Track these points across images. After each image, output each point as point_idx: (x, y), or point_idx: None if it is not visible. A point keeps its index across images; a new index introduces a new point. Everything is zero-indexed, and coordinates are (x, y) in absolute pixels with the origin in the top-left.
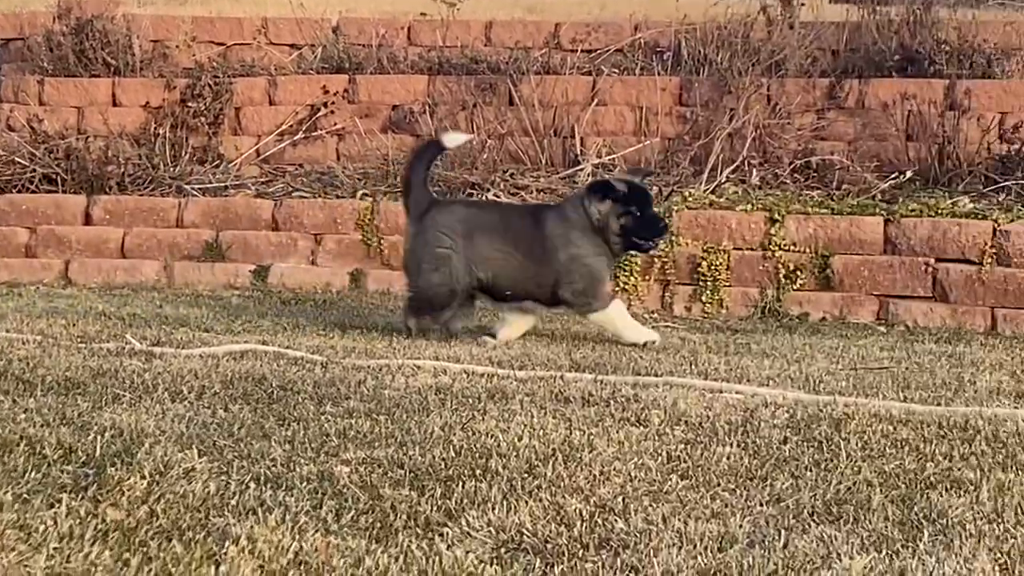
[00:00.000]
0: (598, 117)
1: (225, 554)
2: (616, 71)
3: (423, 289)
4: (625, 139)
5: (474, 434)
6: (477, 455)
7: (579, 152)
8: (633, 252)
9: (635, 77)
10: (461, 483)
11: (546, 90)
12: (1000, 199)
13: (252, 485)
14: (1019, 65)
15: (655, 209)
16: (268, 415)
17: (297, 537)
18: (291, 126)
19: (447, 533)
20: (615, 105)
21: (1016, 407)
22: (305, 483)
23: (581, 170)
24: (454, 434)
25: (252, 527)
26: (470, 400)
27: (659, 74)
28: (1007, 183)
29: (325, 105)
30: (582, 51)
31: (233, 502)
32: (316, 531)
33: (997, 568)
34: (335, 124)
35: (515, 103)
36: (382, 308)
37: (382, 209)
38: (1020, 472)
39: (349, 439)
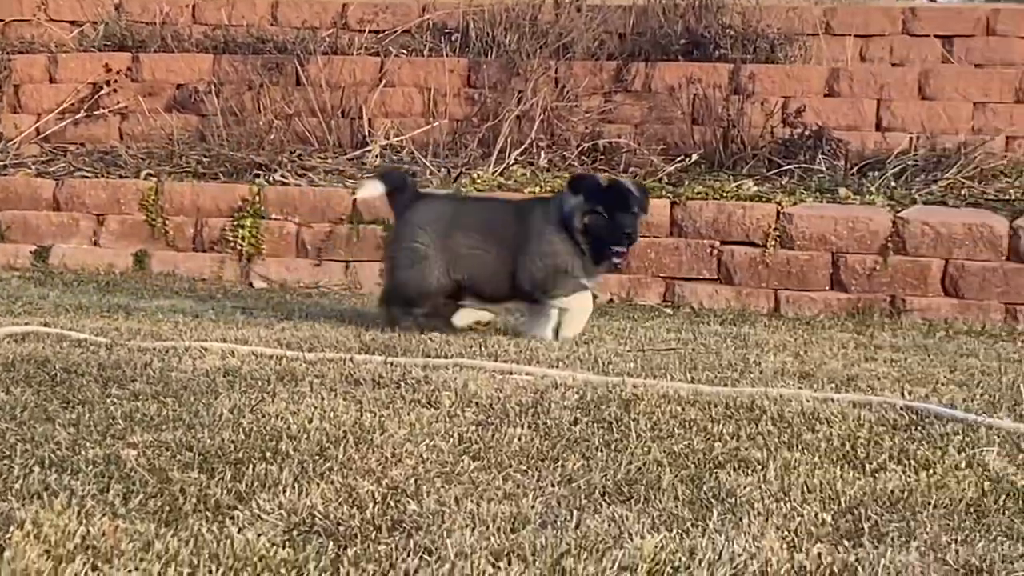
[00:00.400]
0: (386, 98)
1: (9, 539)
2: (404, 52)
3: (399, 285)
4: (414, 120)
5: (264, 416)
6: (267, 437)
7: (367, 133)
8: (602, 262)
9: (423, 58)
10: (251, 466)
11: (334, 71)
12: (783, 182)
13: (36, 469)
14: (801, 50)
15: (631, 216)
16: (52, 398)
17: (84, 521)
18: (73, 105)
19: (238, 516)
20: (403, 86)
21: (800, 387)
22: (91, 466)
23: (369, 151)
24: (243, 416)
25: (37, 511)
26: (259, 382)
27: (447, 56)
28: (790, 166)
29: (108, 83)
30: (370, 32)
31: (17, 486)
32: (103, 515)
33: (784, 545)
34: (118, 103)
35: (302, 83)
36: (167, 290)
37: (167, 189)
38: (805, 451)
39: (136, 422)
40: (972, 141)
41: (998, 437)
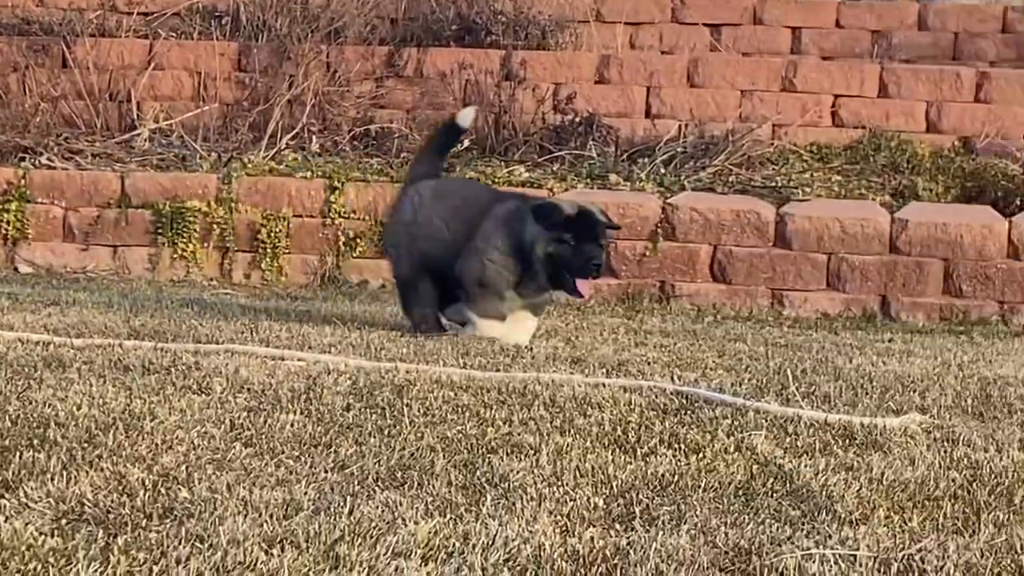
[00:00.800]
0: (155, 82)
1: None
2: (174, 35)
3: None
4: (184, 104)
5: (30, 403)
6: (34, 425)
7: (136, 117)
8: (557, 291)
9: (193, 42)
10: (18, 454)
11: (101, 53)
12: (555, 168)
13: None
14: (572, 37)
15: (599, 247)
16: None
17: None
18: None
19: (4, 505)
20: (173, 70)
21: (572, 372)
22: None
23: (138, 135)
24: (9, 404)
25: None
26: (25, 369)
27: (218, 39)
28: (561, 153)
29: None
30: (138, 14)
31: None
32: None
33: (557, 530)
34: None
35: (69, 66)
36: None
37: None
38: (578, 436)
39: None
40: (740, 128)
41: (766, 421)
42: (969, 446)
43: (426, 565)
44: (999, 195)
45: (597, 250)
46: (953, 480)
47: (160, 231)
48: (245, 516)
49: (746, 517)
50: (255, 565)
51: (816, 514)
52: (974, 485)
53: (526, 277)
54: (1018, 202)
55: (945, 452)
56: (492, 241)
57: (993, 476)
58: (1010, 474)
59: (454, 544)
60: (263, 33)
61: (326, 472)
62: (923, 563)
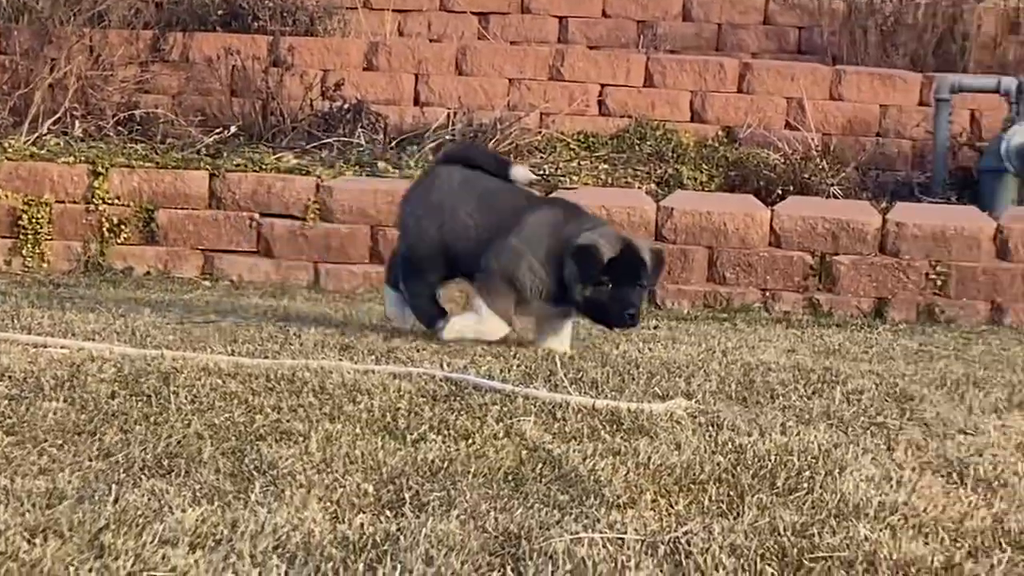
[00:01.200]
0: None
1: None
2: None
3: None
4: None
5: None
6: None
7: None
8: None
9: None
10: None
11: None
12: (323, 155)
13: None
14: (341, 23)
15: (637, 291)
16: None
17: None
18: None
19: None
20: None
21: (341, 359)
22: None
23: None
24: None
25: None
26: None
27: None
28: (330, 140)
29: None
30: None
31: None
32: None
33: (327, 516)
34: None
35: None
36: None
37: None
38: (347, 422)
39: None
40: (508, 117)
41: (535, 407)
42: (733, 430)
43: (194, 553)
44: (761, 184)
45: (635, 296)
46: (718, 464)
47: None
48: (6, 505)
49: (515, 502)
50: (17, 555)
51: (584, 498)
52: (738, 469)
53: (555, 294)
54: (779, 191)
55: (710, 436)
56: (534, 247)
57: (756, 460)
58: (772, 457)
59: (222, 531)
60: (24, 15)
61: (90, 460)
62: (689, 545)
